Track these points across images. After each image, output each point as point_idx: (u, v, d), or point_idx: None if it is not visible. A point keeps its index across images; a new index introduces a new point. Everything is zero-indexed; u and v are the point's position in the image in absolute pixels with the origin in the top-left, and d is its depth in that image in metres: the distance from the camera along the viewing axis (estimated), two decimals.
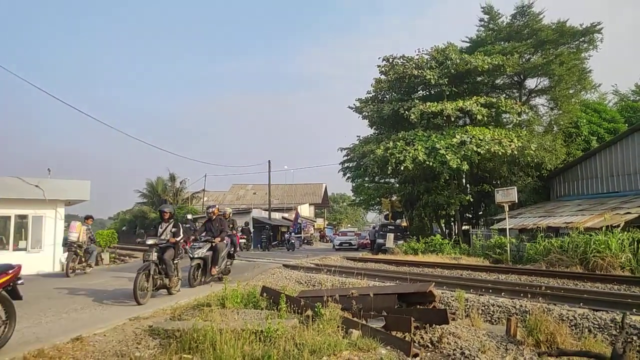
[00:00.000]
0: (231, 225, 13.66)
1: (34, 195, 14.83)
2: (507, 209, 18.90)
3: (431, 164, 21.03)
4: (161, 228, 9.12)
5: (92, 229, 14.73)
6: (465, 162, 21.03)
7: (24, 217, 15.46)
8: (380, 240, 26.04)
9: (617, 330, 6.03)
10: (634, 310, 6.87)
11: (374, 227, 35.95)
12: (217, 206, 11.87)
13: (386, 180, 32.61)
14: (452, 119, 22.74)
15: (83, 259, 13.82)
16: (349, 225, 74.69)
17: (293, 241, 30.66)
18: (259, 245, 30.86)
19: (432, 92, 26.01)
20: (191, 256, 10.09)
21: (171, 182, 50.96)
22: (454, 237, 24.56)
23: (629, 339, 5.69)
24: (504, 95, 27.08)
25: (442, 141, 21.16)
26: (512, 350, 5.38)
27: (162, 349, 5.06)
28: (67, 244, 13.69)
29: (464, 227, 28.03)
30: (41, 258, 15.35)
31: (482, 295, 8.86)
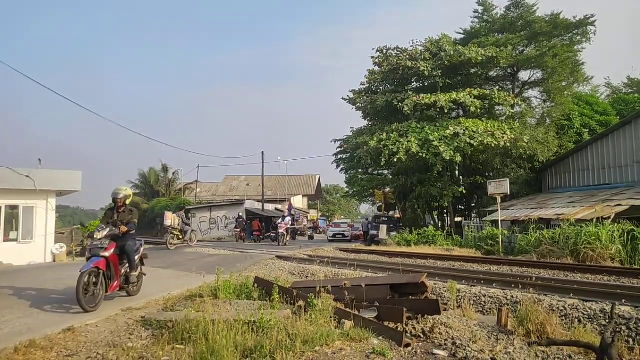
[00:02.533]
0: (130, 216, 7.39)
1: (25, 186, 14.66)
2: (499, 200, 19.01)
3: (424, 155, 21.07)
4: None
5: (183, 216, 19.90)
6: (459, 154, 21.10)
7: (15, 207, 15.28)
8: (373, 232, 26.05)
9: (607, 321, 6.11)
10: (623, 300, 6.96)
11: (367, 219, 36.00)
12: None
13: (379, 171, 32.65)
14: (446, 111, 22.75)
15: (181, 237, 19.06)
16: (342, 216, 74.74)
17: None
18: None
19: (426, 84, 26.00)
20: None
21: (164, 173, 50.64)
22: (447, 228, 24.69)
23: (617, 329, 5.78)
24: (498, 87, 27.14)
25: (435, 133, 21.19)
26: (503, 340, 5.43)
27: (154, 340, 5.05)
28: (164, 228, 20.74)
29: (456, 219, 28.18)
30: (32, 249, 15.23)
31: (474, 286, 8.93)
